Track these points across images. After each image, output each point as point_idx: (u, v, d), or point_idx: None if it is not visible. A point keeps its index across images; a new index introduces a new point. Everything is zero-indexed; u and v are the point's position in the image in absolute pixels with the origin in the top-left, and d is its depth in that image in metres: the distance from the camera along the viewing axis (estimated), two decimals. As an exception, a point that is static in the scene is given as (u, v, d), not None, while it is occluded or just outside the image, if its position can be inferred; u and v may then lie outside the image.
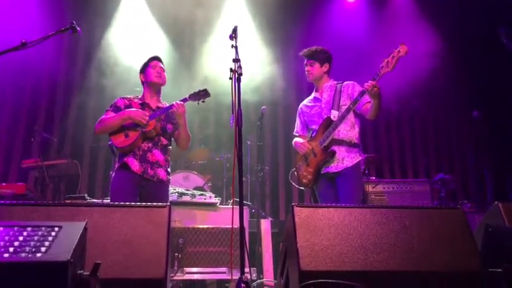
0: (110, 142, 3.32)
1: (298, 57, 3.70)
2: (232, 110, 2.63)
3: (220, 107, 6.31)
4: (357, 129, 3.45)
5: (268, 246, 4.14)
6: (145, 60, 3.43)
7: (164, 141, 3.31)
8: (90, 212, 1.94)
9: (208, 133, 6.49)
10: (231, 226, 2.88)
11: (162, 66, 3.40)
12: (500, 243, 2.08)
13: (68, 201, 4.02)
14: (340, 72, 3.86)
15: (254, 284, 3.74)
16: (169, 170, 3.36)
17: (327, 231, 2.05)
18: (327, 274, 1.89)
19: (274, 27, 6.70)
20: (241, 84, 2.67)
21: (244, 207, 2.54)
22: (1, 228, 1.46)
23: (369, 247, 2.01)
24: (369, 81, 3.08)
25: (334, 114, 3.36)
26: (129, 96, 3.39)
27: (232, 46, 2.79)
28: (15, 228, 1.47)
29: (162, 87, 3.46)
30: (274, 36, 6.72)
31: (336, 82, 3.56)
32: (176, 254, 3.67)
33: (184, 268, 3.69)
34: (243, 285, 2.18)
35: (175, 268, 3.64)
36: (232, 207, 2.63)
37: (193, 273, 3.71)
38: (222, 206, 4.10)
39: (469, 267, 2.00)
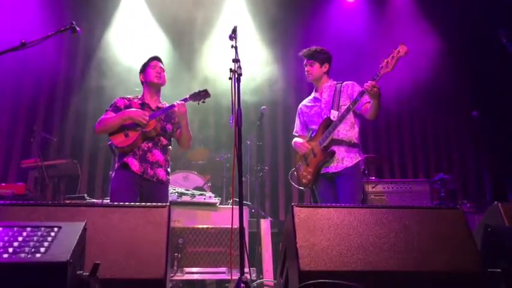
0: (110, 142, 3.32)
1: (298, 58, 3.70)
2: (232, 110, 2.63)
3: (220, 107, 6.32)
4: (356, 129, 3.45)
5: (267, 246, 4.14)
6: (145, 60, 3.43)
7: (164, 141, 3.31)
8: (89, 212, 1.94)
9: (208, 133, 6.49)
10: (230, 226, 2.88)
11: (162, 66, 3.40)
12: (500, 243, 2.08)
13: (68, 202, 4.02)
14: (339, 72, 3.87)
15: (254, 284, 3.74)
16: (169, 170, 3.36)
17: (326, 231, 2.05)
18: (327, 274, 1.89)
19: (274, 27, 6.70)
20: (240, 84, 2.67)
21: (244, 207, 2.53)
22: (0, 229, 1.46)
23: (368, 247, 2.01)
24: (369, 82, 3.08)
25: (334, 114, 3.36)
26: (129, 96, 3.39)
27: (232, 46, 2.79)
28: (15, 229, 1.47)
29: (162, 87, 3.46)
30: (274, 36, 6.72)
31: (335, 82, 3.56)
32: (176, 254, 3.67)
33: (184, 268, 3.69)
34: (242, 285, 2.18)
35: (175, 268, 3.64)
36: (232, 207, 2.63)
37: (193, 273, 3.71)
38: (221, 206, 4.10)
39: (469, 267, 2.00)
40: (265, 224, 4.28)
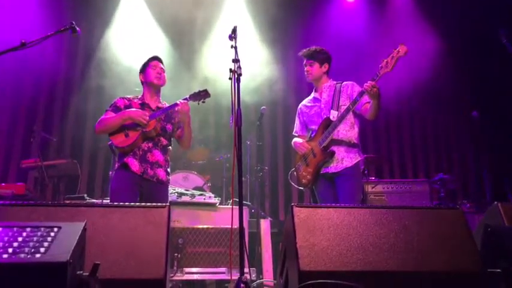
0: (110, 142, 3.32)
1: (297, 58, 3.70)
2: (232, 110, 2.63)
3: (220, 107, 6.32)
4: (356, 129, 3.45)
5: (267, 247, 4.14)
6: (145, 60, 3.43)
7: (164, 141, 3.31)
8: (89, 212, 1.94)
9: (208, 133, 6.49)
10: (230, 226, 2.88)
11: (162, 66, 3.40)
12: (500, 243, 2.08)
13: (68, 202, 4.02)
14: (339, 72, 3.87)
15: (254, 284, 3.73)
16: (169, 170, 3.36)
17: (326, 231, 2.05)
18: (327, 274, 1.89)
19: (274, 27, 6.70)
20: (240, 84, 2.67)
21: (243, 207, 2.53)
22: (0, 229, 1.46)
23: (368, 247, 2.01)
24: (368, 82, 3.08)
25: (334, 115, 3.36)
26: (129, 96, 3.39)
27: (231, 46, 2.79)
28: (15, 229, 1.47)
29: (162, 87, 3.46)
30: (274, 36, 6.72)
31: (335, 82, 3.56)
32: (176, 254, 3.67)
33: (184, 268, 3.69)
34: (242, 285, 2.18)
35: (175, 268, 3.64)
36: (232, 207, 2.63)
37: (193, 273, 3.71)
38: (221, 206, 4.10)
39: (469, 267, 2.00)
40: (265, 224, 4.29)
